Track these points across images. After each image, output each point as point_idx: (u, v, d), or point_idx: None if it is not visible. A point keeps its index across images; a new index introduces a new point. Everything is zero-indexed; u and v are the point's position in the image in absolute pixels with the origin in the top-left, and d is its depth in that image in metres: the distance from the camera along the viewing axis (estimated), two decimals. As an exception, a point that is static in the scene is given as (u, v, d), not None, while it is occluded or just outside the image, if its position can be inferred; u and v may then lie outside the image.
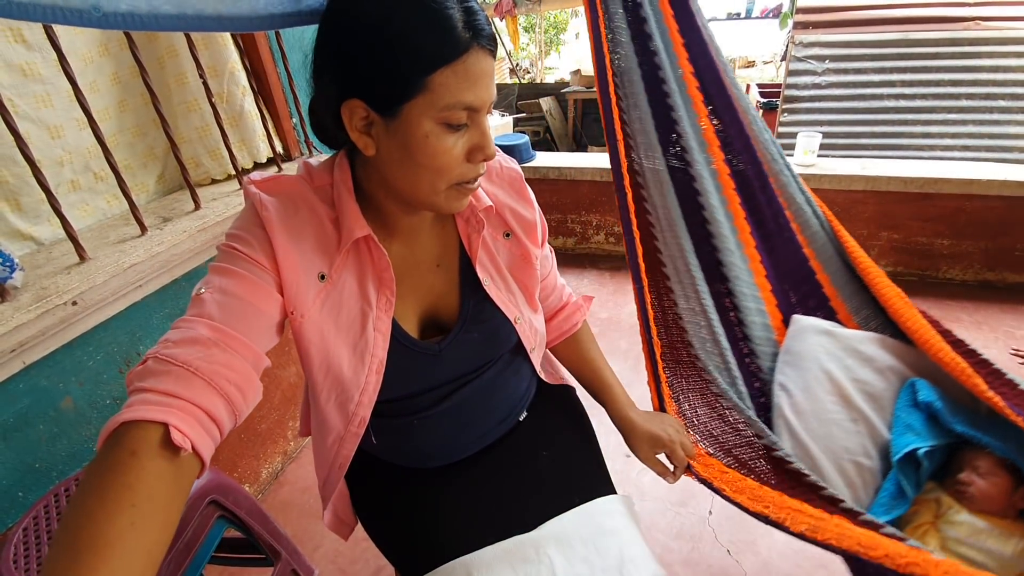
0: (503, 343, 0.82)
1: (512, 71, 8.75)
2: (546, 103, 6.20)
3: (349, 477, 0.89)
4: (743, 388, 0.99)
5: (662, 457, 0.94)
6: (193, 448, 0.52)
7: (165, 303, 1.32)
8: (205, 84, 1.40)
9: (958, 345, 0.94)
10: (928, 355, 0.94)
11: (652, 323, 1.02)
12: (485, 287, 0.77)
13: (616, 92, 1.01)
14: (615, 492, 0.88)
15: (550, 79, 10.05)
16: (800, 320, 1.08)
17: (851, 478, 0.92)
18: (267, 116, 1.64)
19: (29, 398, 1.07)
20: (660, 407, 1.01)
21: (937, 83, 3.37)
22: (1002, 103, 3.31)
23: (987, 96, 3.33)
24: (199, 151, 1.53)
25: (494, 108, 5.12)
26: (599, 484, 0.88)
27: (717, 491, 0.86)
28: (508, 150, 2.72)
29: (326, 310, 0.68)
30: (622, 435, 0.95)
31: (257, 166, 1.67)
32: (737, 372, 1.00)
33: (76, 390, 1.15)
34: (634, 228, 1.01)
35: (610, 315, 2.47)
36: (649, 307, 1.02)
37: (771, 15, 7.03)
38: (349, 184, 0.68)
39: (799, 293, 1.12)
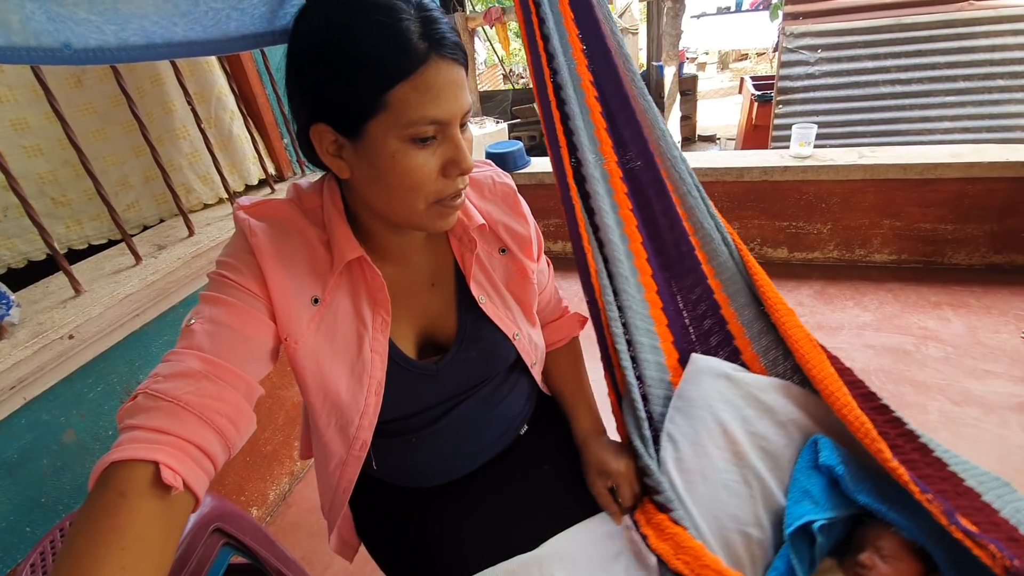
0: (502, 360, 0.81)
1: (505, 77, 8.77)
2: (541, 107, 6.20)
3: (351, 499, 0.89)
4: (647, 433, 0.87)
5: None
6: (185, 485, 0.51)
7: (164, 331, 1.32)
8: (194, 110, 1.41)
9: (867, 399, 0.83)
10: (832, 409, 0.82)
11: (610, 346, 0.93)
12: (481, 305, 0.76)
13: (556, 95, 0.91)
14: None
15: (544, 83, 10.04)
16: (698, 360, 0.95)
17: (738, 552, 0.78)
18: (257, 138, 1.65)
19: (31, 433, 1.07)
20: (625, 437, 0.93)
21: (933, 66, 3.34)
22: (1001, 83, 3.28)
23: (985, 76, 3.29)
24: (189, 177, 1.53)
25: (488, 115, 5.13)
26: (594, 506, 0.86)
27: (645, 539, 0.78)
28: (502, 157, 2.72)
29: (321, 334, 0.67)
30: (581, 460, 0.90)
31: (249, 189, 1.68)
32: (643, 414, 0.88)
33: (78, 423, 1.15)
34: (585, 243, 0.92)
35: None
36: (605, 328, 0.93)
37: (761, 7, 7.00)
38: (339, 205, 0.67)
39: (700, 329, 1.00)
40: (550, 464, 0.89)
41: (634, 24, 4.10)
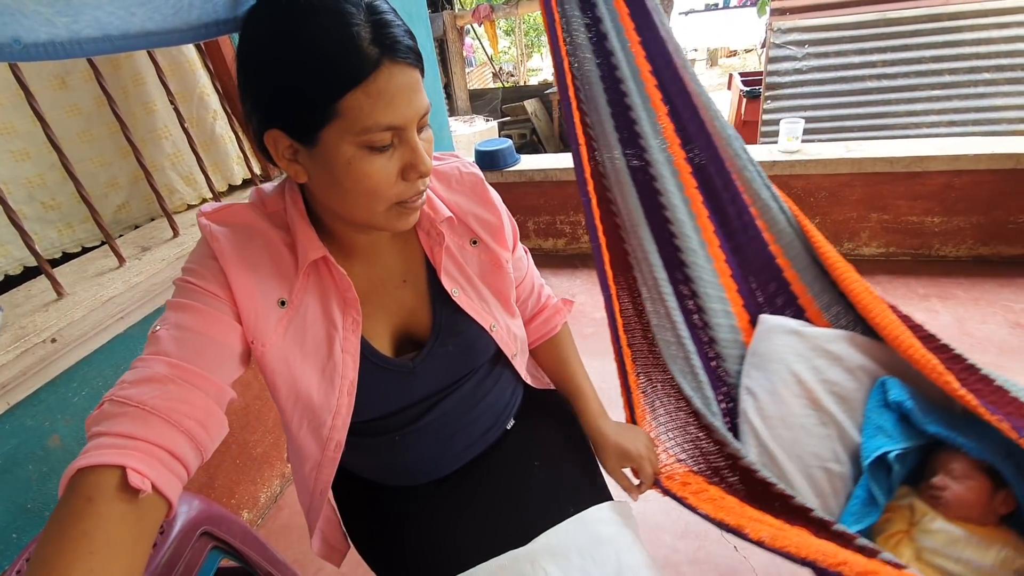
0: (481, 353, 0.81)
1: (495, 75, 8.76)
2: (531, 105, 6.20)
3: (338, 501, 0.88)
4: (709, 394, 0.94)
5: (629, 471, 0.92)
6: (154, 488, 0.51)
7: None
8: (177, 110, 1.39)
9: (929, 340, 0.90)
10: (898, 352, 0.89)
11: (621, 331, 0.99)
12: (455, 298, 0.76)
13: (576, 95, 0.98)
14: (610, 498, 0.86)
15: (533, 80, 10.07)
16: (767, 320, 1.04)
17: (821, 486, 0.87)
18: (242, 137, 1.63)
19: (16, 439, 1.06)
20: (632, 418, 0.98)
21: (919, 60, 3.36)
22: (986, 75, 3.31)
23: (971, 70, 3.32)
24: (172, 178, 1.52)
25: (478, 113, 5.12)
26: (593, 491, 0.86)
27: (682, 502, 0.83)
28: (491, 155, 2.71)
29: (290, 336, 0.67)
30: (592, 445, 0.93)
31: (233, 189, 1.66)
32: (704, 377, 0.96)
33: (63, 428, 1.14)
34: (600, 233, 0.98)
35: (604, 315, 2.45)
36: (618, 315, 1.00)
37: (748, 4, 7.03)
38: (301, 207, 0.67)
39: (766, 292, 1.08)
40: (540, 457, 0.88)
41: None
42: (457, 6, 6.15)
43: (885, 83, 3.42)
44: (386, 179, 0.59)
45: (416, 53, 0.58)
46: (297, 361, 0.67)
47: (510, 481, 0.85)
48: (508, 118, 6.32)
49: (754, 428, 0.92)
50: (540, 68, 12.29)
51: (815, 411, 0.91)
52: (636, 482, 0.91)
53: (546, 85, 6.64)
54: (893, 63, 3.39)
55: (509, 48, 11.91)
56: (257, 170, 1.72)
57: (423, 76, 0.60)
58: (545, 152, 5.87)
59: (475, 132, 4.31)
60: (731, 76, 5.24)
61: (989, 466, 0.83)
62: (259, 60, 0.56)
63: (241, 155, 1.64)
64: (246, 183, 1.70)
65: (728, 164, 1.06)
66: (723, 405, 0.99)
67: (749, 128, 4.44)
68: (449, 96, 5.99)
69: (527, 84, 8.68)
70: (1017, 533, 0.81)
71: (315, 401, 0.68)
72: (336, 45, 0.52)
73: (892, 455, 0.84)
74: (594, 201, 0.98)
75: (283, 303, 0.66)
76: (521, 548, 0.77)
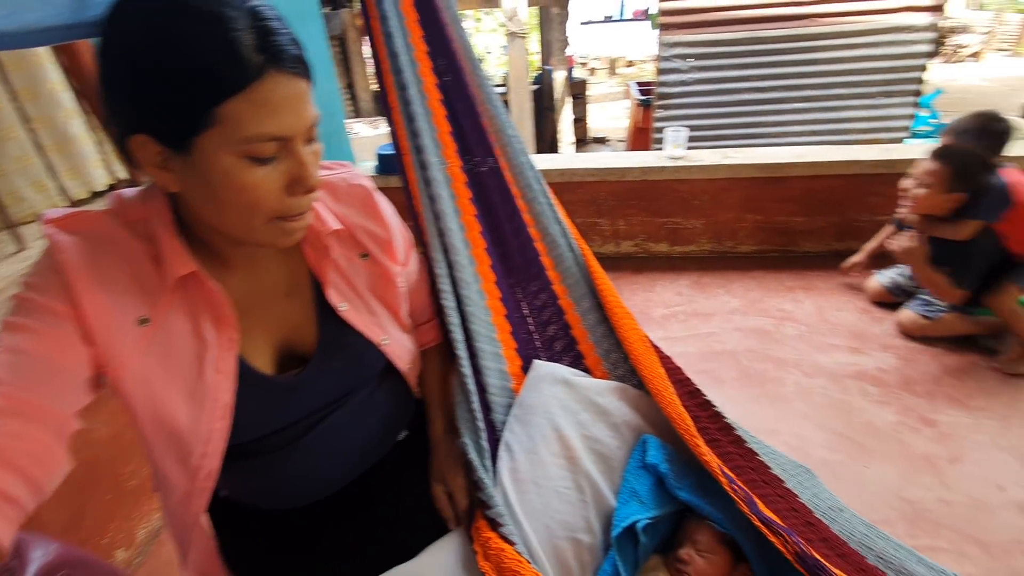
0: (370, 367, 0.79)
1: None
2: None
3: (216, 526, 0.82)
4: (484, 444, 0.84)
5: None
6: None
7: (-12, 361, 1.15)
8: (20, 109, 1.24)
9: (692, 396, 0.87)
10: (660, 407, 0.84)
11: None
12: (342, 312, 0.74)
13: (399, 99, 0.91)
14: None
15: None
16: (539, 367, 0.95)
17: (567, 560, 0.77)
18: (103, 140, 1.49)
19: None
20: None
21: (785, 76, 3.75)
22: (840, 91, 3.76)
23: (826, 86, 3.75)
24: (19, 184, 1.35)
25: (384, 116, 5.01)
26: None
27: (473, 551, 0.76)
28: (392, 159, 2.66)
29: (152, 357, 0.62)
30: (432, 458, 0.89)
31: (96, 195, 1.51)
32: (482, 425, 0.86)
33: None
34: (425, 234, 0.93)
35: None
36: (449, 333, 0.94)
37: (642, 16, 7.47)
38: (167, 216, 0.62)
39: (545, 335, 1.00)
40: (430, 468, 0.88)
41: (523, 28, 4.19)
42: (356, 5, 5.98)
43: (758, 95, 3.78)
44: (268, 192, 0.56)
45: (303, 63, 0.56)
46: (160, 384, 0.62)
47: (401, 494, 0.85)
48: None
49: (505, 492, 0.82)
50: (448, 71, 12.24)
51: (572, 472, 0.83)
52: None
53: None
54: (764, 78, 3.75)
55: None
56: (124, 175, 1.57)
57: (312, 86, 0.58)
58: (453, 155, 5.84)
59: (379, 134, 4.21)
60: (628, 85, 5.54)
61: (732, 539, 0.79)
62: (127, 62, 0.51)
63: (104, 159, 1.49)
64: (112, 188, 1.55)
65: (515, 192, 0.98)
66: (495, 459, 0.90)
67: (644, 135, 4.71)
68: (352, 97, 5.81)
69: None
70: None
71: (182, 427, 0.64)
72: (215, 50, 0.50)
73: (640, 525, 0.77)
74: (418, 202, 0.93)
75: (144, 321, 0.60)
76: (407, 563, 0.76)
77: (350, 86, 5.74)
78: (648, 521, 0.78)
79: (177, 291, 0.63)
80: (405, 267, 0.84)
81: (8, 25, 0.58)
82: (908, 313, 2.07)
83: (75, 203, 1.42)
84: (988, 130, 1.86)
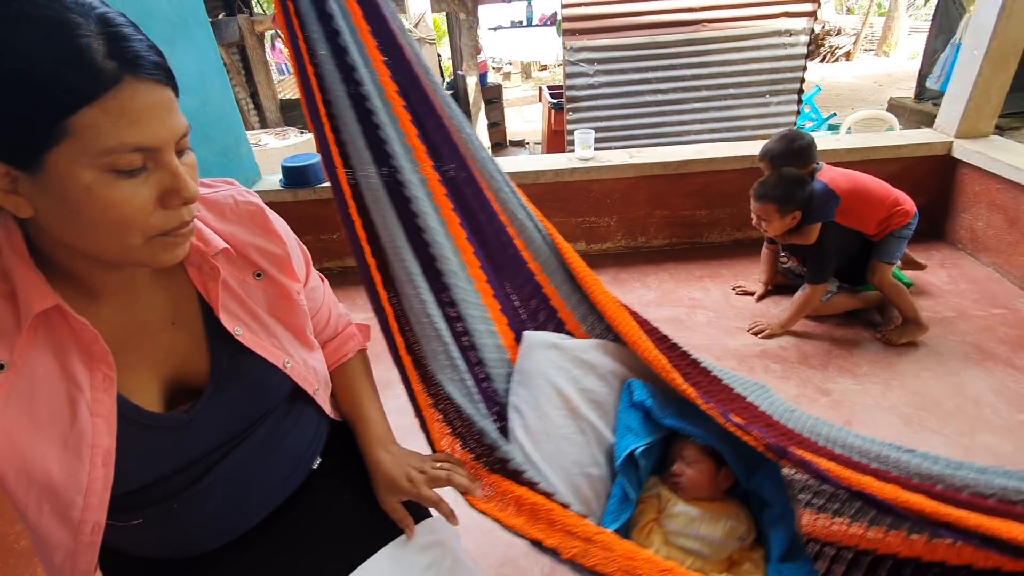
0: (273, 393, 0.75)
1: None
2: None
3: None
4: (486, 412, 0.95)
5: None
6: None
7: None
8: None
9: (661, 341, 0.99)
10: (637, 354, 0.97)
11: (402, 353, 0.98)
12: (238, 337, 0.69)
13: (323, 104, 0.92)
14: (429, 515, 0.86)
15: (355, 90, 9.73)
16: (529, 336, 1.07)
17: (583, 491, 0.92)
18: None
19: None
20: (428, 437, 0.97)
21: (682, 78, 3.99)
22: (732, 91, 4.05)
23: (720, 86, 4.03)
24: None
25: (292, 126, 4.80)
26: (411, 512, 0.85)
27: (497, 520, 0.83)
28: (300, 171, 2.56)
29: (14, 406, 0.55)
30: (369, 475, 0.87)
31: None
32: (479, 398, 0.97)
33: None
34: (367, 255, 0.96)
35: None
36: (396, 335, 0.97)
37: (548, 23, 7.66)
38: (20, 246, 0.56)
39: (528, 308, 1.12)
40: (350, 491, 0.85)
41: (430, 34, 4.17)
42: (257, 10, 5.69)
43: (659, 97, 3.99)
44: (140, 207, 0.52)
45: (165, 70, 0.52)
46: (25, 436, 0.56)
47: (321, 523, 0.80)
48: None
49: (522, 446, 0.95)
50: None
51: (574, 420, 0.97)
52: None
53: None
54: (663, 80, 3.97)
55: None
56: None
57: (177, 94, 0.54)
58: (370, 164, 5.72)
59: (288, 145, 4.04)
60: (541, 89, 5.65)
61: (712, 449, 0.95)
62: None
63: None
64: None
65: (483, 185, 1.06)
66: (497, 424, 1.00)
67: (559, 137, 4.83)
68: (257, 106, 5.53)
69: (346, 94, 8.35)
70: (737, 504, 0.96)
71: (56, 480, 0.57)
72: (61, 58, 0.46)
73: (638, 451, 0.92)
74: (357, 223, 0.95)
75: (1, 367, 0.55)
76: None
77: (254, 96, 5.46)
78: (643, 447, 0.93)
79: (38, 329, 0.57)
80: (305, 285, 0.81)
81: None
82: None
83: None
84: (792, 149, 2.10)
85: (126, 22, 0.51)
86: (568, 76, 3.93)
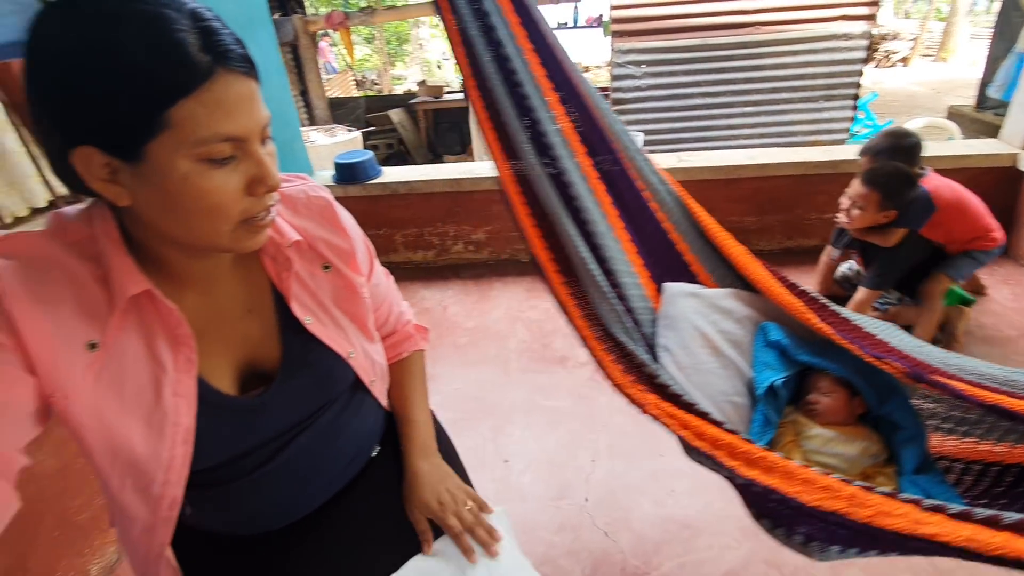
0: (338, 382, 0.77)
1: (358, 83, 8.50)
2: (396, 115, 6.12)
3: (179, 557, 0.78)
4: (644, 349, 1.12)
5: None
6: None
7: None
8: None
9: (793, 288, 1.12)
10: (771, 300, 1.12)
11: (577, 323, 1.14)
12: (308, 326, 0.72)
13: (485, 106, 1.10)
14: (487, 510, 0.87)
15: (399, 89, 9.93)
16: (670, 287, 1.22)
17: (730, 415, 1.07)
18: (39, 155, 1.41)
19: None
20: (599, 364, 1.10)
21: (734, 81, 3.90)
22: (784, 95, 3.93)
23: (772, 90, 3.92)
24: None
25: (340, 123, 4.92)
26: None
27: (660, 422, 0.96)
28: (351, 168, 2.62)
29: (104, 384, 0.58)
30: (405, 481, 0.85)
31: (36, 212, 1.42)
32: (638, 338, 1.13)
33: None
34: (531, 236, 1.13)
35: (477, 323, 2.49)
36: (565, 299, 1.15)
37: (595, 24, 7.60)
38: (115, 234, 0.59)
39: (664, 264, 1.27)
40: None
41: (478, 35, 4.20)
42: (309, 10, 5.87)
43: (709, 100, 3.91)
44: (230, 194, 0.55)
45: (251, 62, 0.55)
46: (114, 412, 0.59)
47: (377, 509, 0.82)
48: (373, 128, 6.16)
49: (673, 377, 1.08)
50: (405, 77, 12.16)
51: (717, 357, 1.12)
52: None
53: (411, 95, 6.59)
54: (714, 83, 3.89)
55: (371, 56, 11.63)
56: (63, 191, 1.49)
57: (260, 86, 0.57)
58: (413, 162, 5.81)
59: (336, 143, 4.13)
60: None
61: (846, 380, 1.09)
62: (64, 72, 0.49)
63: (42, 174, 1.41)
64: (51, 205, 1.46)
65: (621, 155, 1.22)
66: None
67: (602, 139, 4.80)
68: (307, 104, 5.69)
69: (392, 93, 8.54)
70: (869, 428, 1.09)
71: (140, 455, 0.60)
72: (161, 52, 0.48)
73: (778, 383, 1.07)
74: (516, 203, 1.13)
75: (93, 346, 0.57)
76: (391, 575, 0.75)
77: (304, 93, 5.62)
78: (782, 379, 1.08)
79: (129, 312, 0.60)
80: (368, 279, 0.82)
81: None
82: (858, 306, 2.19)
83: (15, 220, 1.33)
84: (900, 147, 1.99)
85: (214, 16, 0.53)
86: (615, 78, 3.90)
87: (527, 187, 1.13)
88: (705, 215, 1.25)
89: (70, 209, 0.61)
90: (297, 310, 0.71)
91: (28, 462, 0.54)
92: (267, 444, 0.72)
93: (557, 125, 1.16)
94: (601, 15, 7.43)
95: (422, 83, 6.44)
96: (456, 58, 1.11)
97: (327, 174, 2.82)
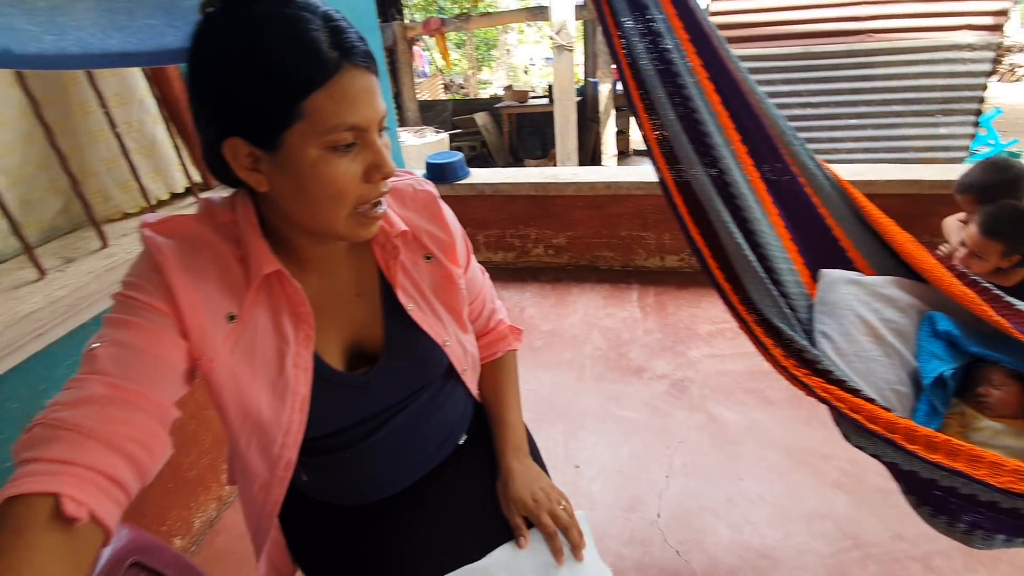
0: (434, 368, 0.81)
1: (446, 87, 8.78)
2: (481, 118, 6.26)
3: (284, 522, 0.85)
4: (802, 334, 1.11)
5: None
6: (92, 516, 0.48)
7: (72, 351, 1.22)
8: (107, 114, 1.32)
9: (964, 277, 1.08)
10: (940, 290, 1.08)
11: (738, 307, 1.14)
12: (409, 312, 0.76)
13: (645, 109, 1.13)
14: None
15: (484, 93, 10.16)
16: (827, 274, 1.19)
17: (893, 404, 1.03)
18: (180, 145, 1.57)
19: (-89, 470, 0.96)
20: (758, 347, 1.12)
21: (839, 92, 3.66)
22: (896, 108, 3.64)
23: (883, 102, 3.64)
24: (107, 183, 1.43)
25: (428, 125, 5.11)
26: None
27: (821, 398, 0.96)
28: (441, 168, 2.72)
29: (239, 352, 0.65)
30: (500, 481, 0.87)
31: (175, 197, 1.59)
32: (795, 323, 1.13)
33: (-31, 454, 1.05)
34: (695, 236, 1.14)
35: (553, 327, 2.50)
36: (731, 296, 1.15)
37: (689, 30, 7.43)
38: (253, 219, 0.65)
39: (820, 250, 1.24)
40: (492, 472, 0.89)
41: (570, 41, 4.22)
42: (407, 17, 6.15)
43: (809, 111, 3.70)
44: (350, 180, 0.59)
45: (372, 58, 0.60)
46: (246, 377, 0.65)
47: (463, 496, 0.85)
48: (459, 130, 6.35)
49: (835, 363, 1.06)
50: (490, 81, 12.43)
51: (880, 345, 1.09)
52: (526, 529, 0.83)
53: (496, 99, 6.72)
54: (816, 93, 3.67)
55: (459, 60, 11.99)
56: (198, 178, 1.65)
57: (379, 80, 0.61)
58: (495, 165, 5.93)
59: (424, 143, 4.30)
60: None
61: (1019, 374, 1.05)
62: (218, 71, 0.56)
63: (182, 162, 1.57)
64: (188, 191, 1.63)
65: (777, 142, 1.21)
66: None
67: (689, 148, 4.66)
68: (399, 106, 5.95)
69: (478, 97, 8.75)
70: None
71: (265, 419, 0.67)
72: (298, 50, 0.54)
73: (947, 373, 1.04)
74: (680, 204, 1.14)
75: (232, 317, 0.64)
76: (475, 563, 0.77)
77: (396, 96, 5.89)
78: (952, 370, 1.04)
79: (261, 289, 0.66)
80: (465, 272, 0.86)
81: (149, 46, 0.64)
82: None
83: (158, 203, 1.50)
84: (1005, 181, 1.79)
85: (341, 17, 0.58)
86: (708, 86, 3.77)
87: (680, 176, 1.14)
88: (867, 202, 1.22)
89: (216, 196, 0.69)
90: (401, 297, 0.75)
91: (179, 414, 0.60)
92: (368, 420, 0.77)
93: (714, 114, 1.16)
94: (695, 22, 7.24)
95: (508, 87, 6.55)
96: (612, 55, 1.13)
97: (417, 173, 2.94)
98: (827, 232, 1.24)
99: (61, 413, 0.51)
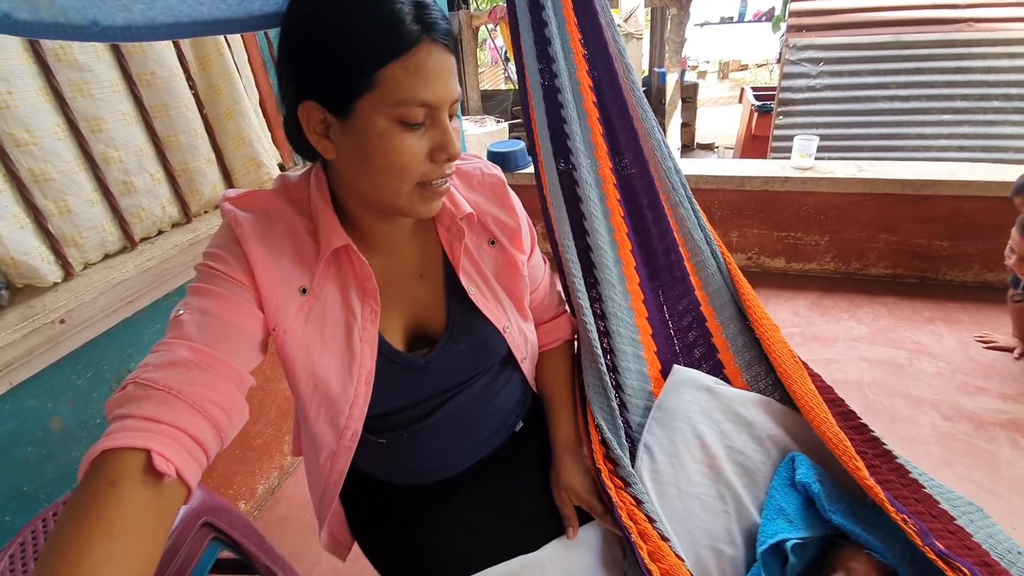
0: (493, 353, 0.80)
1: (507, 77, 8.77)
2: (541, 108, 6.20)
3: (344, 497, 0.87)
4: (624, 442, 0.86)
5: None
6: (178, 473, 0.50)
7: (157, 318, 1.30)
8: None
9: (846, 417, 0.83)
10: (811, 425, 0.81)
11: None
12: (471, 296, 0.75)
13: (529, 93, 0.94)
14: None
15: (545, 84, 10.03)
16: (679, 372, 0.95)
17: (708, 568, 0.76)
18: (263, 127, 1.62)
19: (16, 419, 1.05)
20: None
21: (931, 84, 3.38)
22: (996, 104, 3.32)
23: (981, 97, 3.33)
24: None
25: (489, 114, 5.12)
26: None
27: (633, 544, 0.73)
28: (503, 156, 2.71)
29: (310, 324, 0.66)
30: (553, 468, 0.87)
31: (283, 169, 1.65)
32: (620, 424, 0.87)
33: (65, 410, 1.13)
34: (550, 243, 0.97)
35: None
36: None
37: (764, 19, 7.06)
38: (326, 194, 0.67)
39: (684, 340, 1.00)
40: (547, 461, 0.88)
41: (639, 29, 4.10)
42: (473, 6, 6.16)
43: (897, 105, 3.43)
44: (415, 157, 0.59)
45: (453, 38, 0.59)
46: (317, 349, 0.67)
47: (518, 484, 0.85)
48: (519, 120, 6.32)
49: (647, 493, 0.82)
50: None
51: (714, 482, 0.82)
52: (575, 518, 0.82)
53: (556, 89, 6.63)
54: (906, 85, 3.40)
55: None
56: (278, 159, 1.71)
57: (456, 62, 0.60)
58: (553, 156, 5.85)
59: (485, 132, 4.31)
60: (743, 90, 5.25)
61: (892, 571, 0.72)
62: (303, 31, 0.57)
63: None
64: (281, 168, 1.69)
65: (662, 196, 0.99)
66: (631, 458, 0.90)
67: (759, 142, 4.45)
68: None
69: (537, 87, 8.63)
70: None
71: (333, 390, 0.68)
72: (380, 18, 0.54)
73: (790, 544, 0.73)
74: (548, 213, 0.97)
75: (304, 291, 0.65)
76: (531, 554, 0.76)
77: (459, 84, 5.92)
78: (798, 541, 0.74)
79: (330, 263, 0.67)
80: (529, 260, 0.84)
81: (238, 12, 0.66)
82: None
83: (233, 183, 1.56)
84: None
85: None
86: (785, 76, 3.57)
87: (544, 194, 0.96)
88: (752, 295, 0.96)
89: (292, 173, 0.70)
90: (464, 279, 0.75)
91: (254, 383, 0.62)
92: (425, 402, 0.77)
93: (592, 143, 0.96)
94: (772, 9, 6.88)
95: (570, 78, 6.45)
96: (512, 53, 0.96)
97: (478, 161, 2.95)
98: (700, 321, 0.99)
99: (152, 374, 0.53)
